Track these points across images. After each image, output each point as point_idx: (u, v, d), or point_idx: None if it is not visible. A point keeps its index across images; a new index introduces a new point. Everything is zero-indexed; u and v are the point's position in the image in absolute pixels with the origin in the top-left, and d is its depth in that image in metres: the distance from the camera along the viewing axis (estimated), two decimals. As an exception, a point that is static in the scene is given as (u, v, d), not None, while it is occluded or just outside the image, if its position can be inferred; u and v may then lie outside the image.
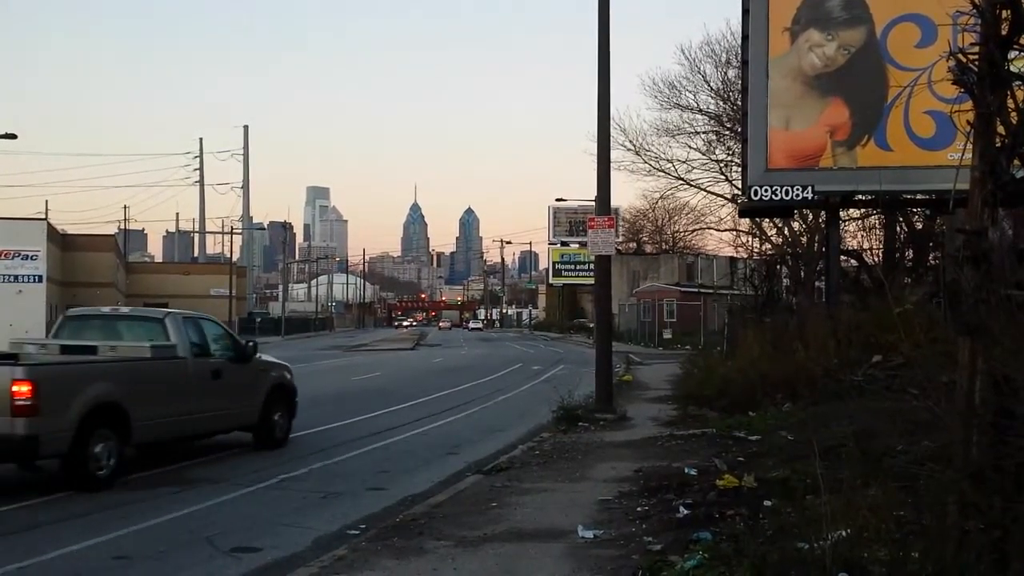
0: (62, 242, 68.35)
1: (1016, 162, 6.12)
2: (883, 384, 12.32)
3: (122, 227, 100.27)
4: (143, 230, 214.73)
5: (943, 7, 9.86)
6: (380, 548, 9.00)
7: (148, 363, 14.35)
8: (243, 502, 11.95)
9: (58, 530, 10.26)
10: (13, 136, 43.39)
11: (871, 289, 24.31)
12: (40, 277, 59.56)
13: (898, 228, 30.67)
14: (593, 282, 24.91)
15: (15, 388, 11.68)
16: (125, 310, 18.38)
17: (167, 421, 14.20)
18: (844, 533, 6.67)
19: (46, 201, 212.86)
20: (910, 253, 30.43)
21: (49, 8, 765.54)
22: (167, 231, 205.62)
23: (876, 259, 30.98)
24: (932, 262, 27.37)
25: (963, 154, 6.20)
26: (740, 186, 27.36)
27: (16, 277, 58.97)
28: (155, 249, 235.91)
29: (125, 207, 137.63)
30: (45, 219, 69.06)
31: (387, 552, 8.83)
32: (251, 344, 16.94)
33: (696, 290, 68.28)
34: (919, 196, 23.01)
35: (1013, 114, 6.07)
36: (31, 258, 59.32)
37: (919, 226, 30.52)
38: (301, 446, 16.62)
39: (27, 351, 14.76)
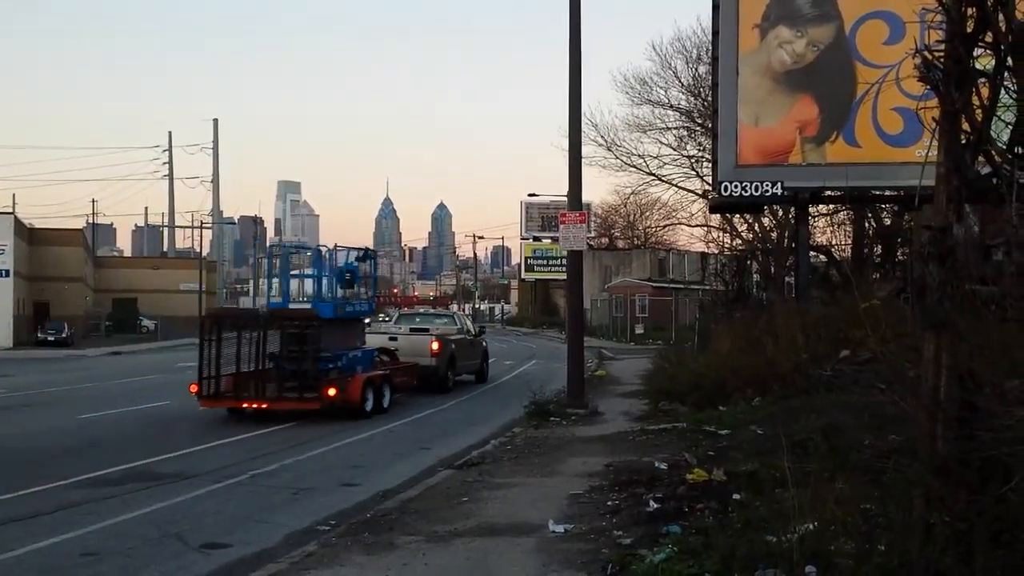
0: (29, 236, 67.71)
1: (981, 159, 6.17)
2: (851, 379, 12.46)
3: (90, 221, 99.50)
4: (112, 224, 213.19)
5: (911, 5, 9.92)
6: (350, 543, 8.98)
7: (458, 336, 28.50)
8: (213, 498, 11.89)
9: (26, 527, 10.17)
10: (-20, 129, 42.99)
11: (840, 285, 24.52)
12: (7, 272, 59.01)
13: (867, 224, 30.93)
14: (565, 277, 24.96)
15: (432, 345, 25.88)
16: (432, 310, 37.99)
17: (461, 365, 28.04)
18: (811, 526, 6.73)
19: (13, 195, 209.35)
20: (878, 249, 30.69)
21: (15, 2, 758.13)
22: (136, 225, 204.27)
23: (845, 255, 31.25)
24: (900, 258, 27.62)
25: (929, 151, 6.25)
26: (711, 182, 27.48)
27: (-18, 272, 58.44)
28: (124, 243, 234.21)
29: (93, 201, 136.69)
30: (12, 213, 68.39)
31: (357, 547, 8.82)
32: (482, 328, 33.99)
33: (668, 285, 68.56)
34: (887, 192, 23.19)
35: (978, 111, 6.13)
36: (-2, 252, 58.77)
37: (887, 222, 30.77)
38: (272, 441, 16.57)
39: (391, 330, 29.19)
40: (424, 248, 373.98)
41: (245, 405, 19.99)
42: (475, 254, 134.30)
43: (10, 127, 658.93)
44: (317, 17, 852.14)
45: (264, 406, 19.77)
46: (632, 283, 73.04)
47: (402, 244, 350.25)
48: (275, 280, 23.29)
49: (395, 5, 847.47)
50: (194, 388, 20.23)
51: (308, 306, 22.23)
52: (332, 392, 19.55)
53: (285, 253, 23.58)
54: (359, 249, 24.70)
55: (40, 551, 9.18)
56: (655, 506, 9.66)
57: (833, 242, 34.04)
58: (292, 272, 23.18)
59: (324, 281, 22.37)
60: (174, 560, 8.93)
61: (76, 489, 12.28)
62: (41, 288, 67.79)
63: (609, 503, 10.38)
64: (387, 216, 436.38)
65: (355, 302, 23.31)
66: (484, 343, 31.18)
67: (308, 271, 23.02)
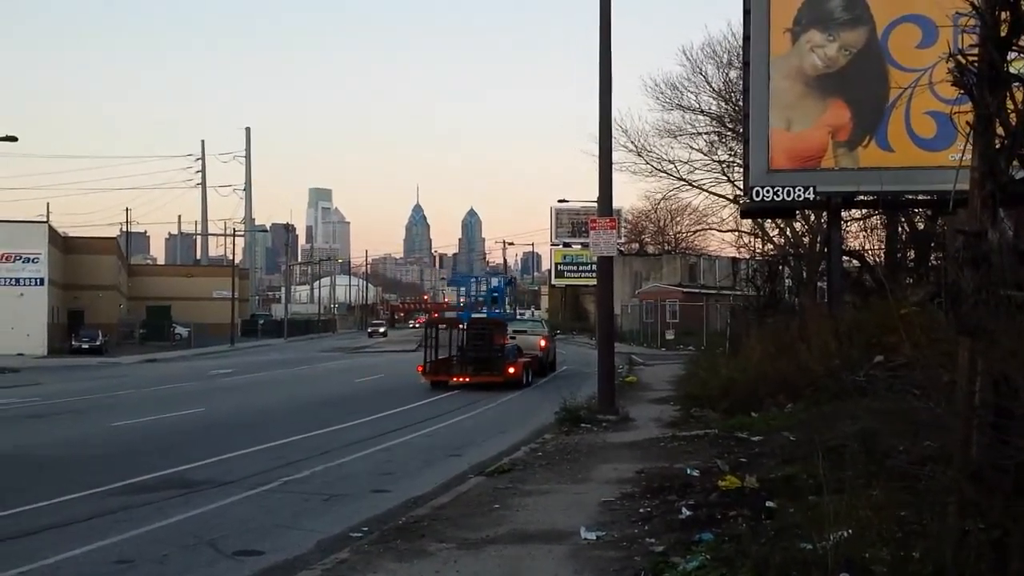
0: (64, 245, 68.37)
1: (1015, 163, 6.12)
2: (885, 384, 12.33)
3: (124, 229, 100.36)
4: (145, 232, 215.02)
5: (943, 8, 9.86)
6: (383, 550, 9.00)
7: (550, 335, 38.34)
8: (246, 505, 11.95)
9: (61, 534, 10.26)
10: (14, 139, 43.38)
11: (873, 289, 24.35)
12: (42, 280, 59.63)
13: (900, 228, 30.70)
14: (595, 283, 24.93)
15: (540, 341, 35.60)
16: (530, 317, 58.94)
17: (549, 357, 36.23)
18: (846, 533, 6.68)
19: (47, 203, 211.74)
20: (912, 253, 30.44)
21: (50, 9, 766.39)
22: (169, 233, 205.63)
23: (878, 259, 31.02)
24: (933, 263, 27.37)
25: (963, 155, 6.21)
26: (742, 187, 27.37)
27: (18, 280, 59.03)
28: (157, 251, 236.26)
29: (127, 209, 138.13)
30: (47, 222, 69.14)
31: (390, 554, 8.84)
32: (557, 331, 50.61)
33: (698, 291, 68.34)
34: (920, 196, 23.00)
35: (1012, 115, 6.07)
36: (33, 261, 59.38)
37: (921, 227, 30.53)
38: (302, 448, 16.64)
39: (514, 330, 34.74)
40: (454, 254, 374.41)
41: (455, 379, 29.75)
42: (505, 260, 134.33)
43: (44, 137, 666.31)
44: (347, 23, 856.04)
45: (467, 379, 29.45)
46: (663, 288, 72.84)
47: (432, 251, 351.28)
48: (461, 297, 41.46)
49: (427, 10, 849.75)
50: (420, 368, 30.51)
51: (484, 315, 34.23)
52: (512, 371, 29.51)
53: (467, 281, 39.47)
54: (505, 276, 41.56)
55: (74, 559, 9.26)
56: (687, 513, 9.62)
57: (866, 247, 33.80)
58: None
59: (478, 298, 36.91)
60: (208, 568, 8.99)
61: (110, 496, 12.39)
62: (75, 296, 68.45)
63: (641, 510, 10.35)
64: (418, 223, 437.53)
65: (506, 313, 36.76)
66: (555, 342, 41.39)
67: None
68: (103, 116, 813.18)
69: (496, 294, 36.10)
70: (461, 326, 32.38)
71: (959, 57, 6.12)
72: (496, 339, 30.48)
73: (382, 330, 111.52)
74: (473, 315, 33.00)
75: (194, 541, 9.93)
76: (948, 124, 15.44)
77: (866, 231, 35.01)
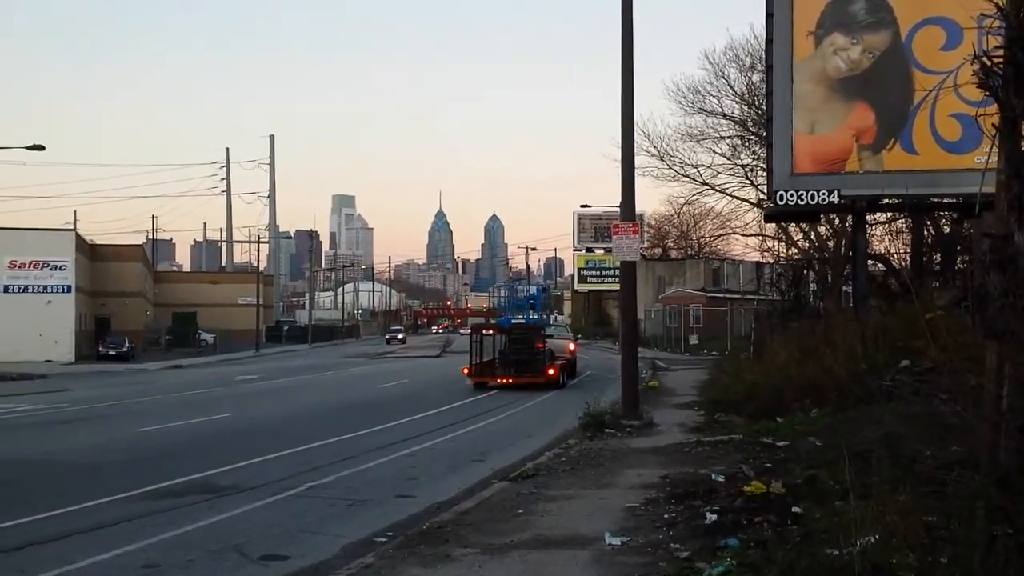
0: (90, 252, 68.80)
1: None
2: (911, 389, 12.26)
3: (150, 237, 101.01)
4: (171, 240, 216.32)
5: (968, 10, 9.81)
6: (407, 555, 9.01)
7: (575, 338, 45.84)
8: (271, 510, 12.00)
9: (88, 539, 10.32)
10: (41, 147, 43.78)
11: (898, 293, 24.22)
12: (69, 287, 60.00)
13: (925, 232, 30.50)
14: (618, 288, 24.91)
15: (570, 345, 38.19)
16: (554, 322, 53.88)
17: (572, 358, 37.13)
18: (873, 539, 6.63)
19: (74, 211, 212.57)
20: (937, 257, 30.25)
21: (75, 18, 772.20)
22: (195, 240, 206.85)
23: (903, 263, 30.84)
24: (960, 266, 27.20)
25: (989, 157, 6.17)
26: (766, 191, 27.29)
27: (45, 287, 59.41)
28: (183, 258, 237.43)
29: (153, 217, 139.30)
30: (74, 229, 69.60)
31: (414, 559, 8.85)
32: (578, 335, 58.72)
33: (722, 295, 68.11)
34: (946, 199, 22.86)
35: (1038, 117, 6.03)
36: (60, 268, 59.78)
37: (946, 230, 30.34)
38: (325, 454, 16.68)
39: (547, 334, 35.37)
40: (477, 260, 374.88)
41: (499, 380, 31.28)
42: (528, 265, 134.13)
43: (71, 145, 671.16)
44: (369, 31, 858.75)
45: (509, 380, 31.04)
46: (686, 293, 72.67)
47: (455, 256, 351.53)
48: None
49: (448, 18, 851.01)
50: (466, 370, 32.68)
51: (523, 321, 35.40)
52: (551, 372, 31.30)
53: (504, 287, 44.28)
54: (540, 286, 44.67)
55: (102, 563, 9.31)
56: (712, 519, 9.58)
57: (891, 250, 33.68)
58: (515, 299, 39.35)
59: (515, 304, 38.48)
60: (233, 572, 9.02)
61: (137, 501, 12.46)
62: (102, 303, 68.90)
63: (666, 516, 10.32)
64: (440, 228, 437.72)
65: (542, 319, 37.88)
66: (576, 344, 43.99)
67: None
68: (129, 124, 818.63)
69: (533, 301, 38.73)
70: (487, 331, 35.36)
71: (984, 59, 6.09)
72: (536, 342, 32.45)
73: (400, 336, 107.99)
74: (513, 320, 35.11)
75: (220, 546, 9.97)
76: (973, 126, 15.35)
77: (891, 235, 34.88)
